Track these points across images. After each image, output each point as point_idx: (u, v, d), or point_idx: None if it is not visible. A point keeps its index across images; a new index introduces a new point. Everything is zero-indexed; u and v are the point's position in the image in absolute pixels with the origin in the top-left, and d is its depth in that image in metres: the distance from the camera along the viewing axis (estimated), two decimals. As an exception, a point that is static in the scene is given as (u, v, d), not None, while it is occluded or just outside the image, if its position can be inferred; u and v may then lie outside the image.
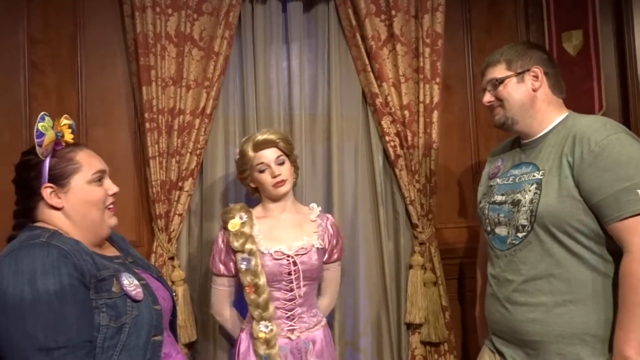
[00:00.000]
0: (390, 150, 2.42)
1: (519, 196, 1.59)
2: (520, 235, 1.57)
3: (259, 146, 1.94)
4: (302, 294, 1.92)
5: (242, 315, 2.05)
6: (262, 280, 1.85)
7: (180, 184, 2.26)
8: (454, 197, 2.65)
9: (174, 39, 2.25)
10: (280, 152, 1.96)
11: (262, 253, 1.88)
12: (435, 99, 2.41)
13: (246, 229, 1.89)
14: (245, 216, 1.92)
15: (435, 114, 2.42)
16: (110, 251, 1.49)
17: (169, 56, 2.25)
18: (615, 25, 2.60)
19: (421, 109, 2.41)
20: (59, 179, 1.36)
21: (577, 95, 2.58)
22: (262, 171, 1.94)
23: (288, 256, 1.90)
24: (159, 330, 1.38)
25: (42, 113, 1.34)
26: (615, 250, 1.47)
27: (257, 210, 2.01)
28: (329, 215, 2.10)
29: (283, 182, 1.94)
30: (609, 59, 2.59)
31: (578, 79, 2.60)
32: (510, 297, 1.59)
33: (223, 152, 2.38)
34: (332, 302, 2.16)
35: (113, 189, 1.45)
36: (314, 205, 2.09)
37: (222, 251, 1.94)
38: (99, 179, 1.42)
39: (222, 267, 1.94)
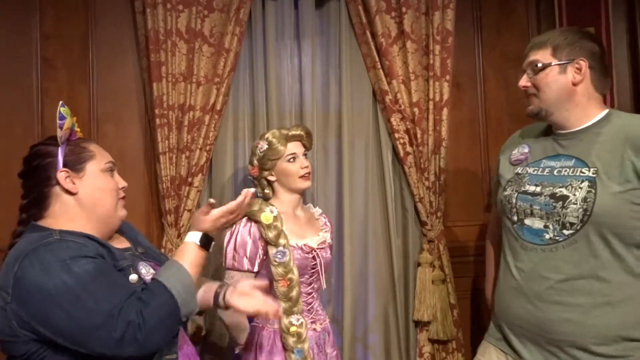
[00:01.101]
0: (400, 147, 2.42)
1: (563, 191, 1.52)
2: (566, 232, 1.50)
3: (290, 139, 1.99)
4: (323, 285, 1.98)
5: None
6: (296, 274, 1.87)
7: (189, 179, 2.27)
8: (463, 195, 2.64)
9: (184, 35, 2.26)
10: (304, 148, 2.02)
11: (292, 247, 1.90)
12: (445, 97, 2.40)
13: (278, 223, 1.89)
14: (276, 210, 1.92)
15: (445, 112, 2.41)
16: (121, 242, 1.48)
17: (179, 52, 2.26)
18: (628, 24, 2.59)
19: (431, 107, 2.41)
20: (75, 164, 1.36)
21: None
22: (290, 161, 1.97)
23: (313, 250, 1.94)
24: None
25: (61, 101, 1.36)
26: None
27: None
28: (324, 214, 2.15)
29: (309, 175, 1.99)
30: (621, 57, 2.58)
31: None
32: (543, 295, 1.53)
33: (232, 148, 2.39)
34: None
35: (122, 182, 1.47)
36: (310, 205, 2.17)
37: (247, 245, 1.88)
38: (110, 170, 1.43)
39: (247, 261, 1.88)
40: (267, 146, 1.97)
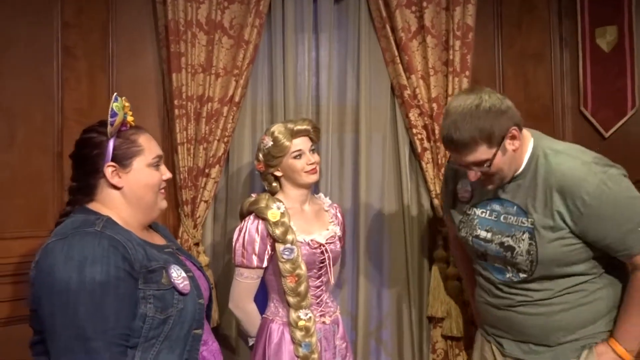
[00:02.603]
0: (417, 143, 2.41)
1: (510, 241, 1.62)
2: (522, 275, 1.64)
3: (296, 135, 1.96)
4: (331, 280, 1.98)
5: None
6: (304, 270, 1.87)
7: (207, 170, 2.28)
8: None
9: (204, 26, 2.26)
10: (311, 142, 2.00)
11: (300, 243, 1.90)
12: (464, 93, 2.39)
13: (285, 219, 1.89)
14: (282, 206, 1.92)
15: (464, 108, 2.39)
16: (158, 239, 1.52)
17: (199, 44, 2.26)
18: (651, 22, 2.55)
19: (449, 103, 2.39)
20: (122, 159, 1.39)
21: (609, 93, 2.55)
22: (296, 157, 1.95)
23: (321, 245, 1.93)
24: (200, 323, 1.42)
25: (114, 94, 1.38)
26: (616, 266, 1.63)
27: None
28: (336, 204, 2.15)
29: (316, 169, 1.96)
30: (643, 54, 2.55)
31: (610, 76, 2.56)
32: (509, 307, 1.69)
33: (250, 140, 2.39)
34: (334, 282, 2.18)
35: (167, 174, 1.49)
36: (321, 195, 2.15)
37: (255, 242, 1.90)
38: (156, 164, 1.45)
39: (255, 259, 1.90)
40: (271, 143, 1.94)
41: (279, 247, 1.87)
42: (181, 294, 1.35)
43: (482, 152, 1.52)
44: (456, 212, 1.82)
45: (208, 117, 2.26)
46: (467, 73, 2.38)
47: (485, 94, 1.52)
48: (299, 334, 1.86)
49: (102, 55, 2.36)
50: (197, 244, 2.29)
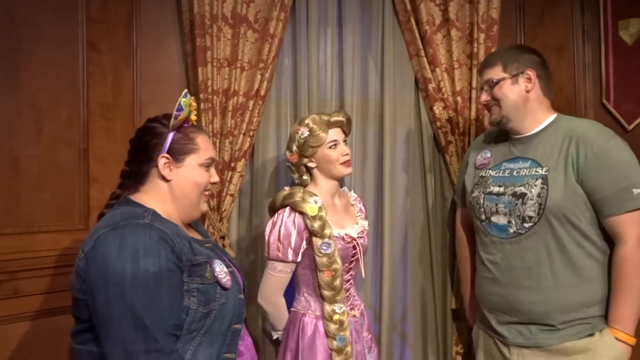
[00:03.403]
0: (442, 136, 2.41)
1: (522, 189, 1.74)
2: (526, 225, 1.72)
3: (332, 125, 1.97)
4: (362, 273, 2.01)
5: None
6: (339, 264, 1.89)
7: (232, 164, 2.28)
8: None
9: (229, 20, 2.26)
10: (344, 134, 2.01)
11: (335, 237, 1.90)
12: (489, 86, 2.38)
13: (323, 213, 1.89)
14: (320, 200, 1.92)
15: (488, 101, 2.39)
16: (196, 235, 1.53)
17: (224, 37, 2.26)
18: (676, 14, 2.54)
19: (473, 96, 2.39)
20: (177, 154, 1.41)
21: (632, 86, 2.53)
22: (331, 147, 1.96)
23: (353, 239, 1.95)
24: (240, 318, 1.43)
25: (185, 90, 1.42)
26: (607, 242, 1.71)
27: None
28: (359, 198, 2.16)
29: (350, 161, 1.99)
30: (667, 48, 2.54)
31: (633, 69, 2.54)
32: (513, 281, 1.75)
33: (275, 133, 2.40)
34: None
35: (215, 177, 1.51)
36: (345, 189, 2.16)
37: (291, 235, 1.88)
38: (208, 165, 1.47)
39: (291, 252, 1.89)
40: (308, 132, 1.94)
41: (317, 241, 1.87)
42: (223, 288, 1.37)
43: (496, 72, 1.82)
44: (470, 180, 1.96)
45: (234, 110, 2.26)
46: (492, 66, 2.37)
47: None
48: (333, 327, 1.87)
49: (126, 50, 2.37)
50: (222, 237, 2.30)
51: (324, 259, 1.87)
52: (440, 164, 2.49)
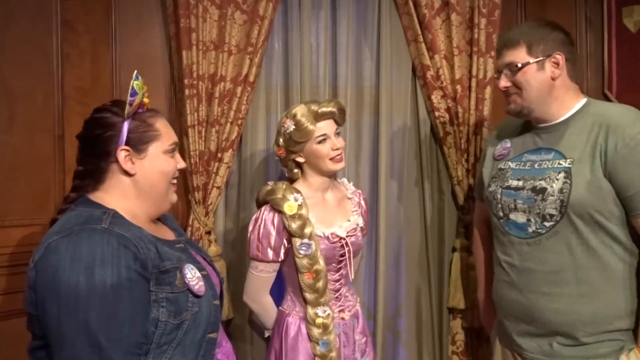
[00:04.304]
0: (440, 126, 2.30)
1: (542, 183, 1.55)
2: (547, 224, 1.54)
3: (320, 118, 1.81)
4: (351, 274, 1.86)
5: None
6: (322, 265, 1.76)
7: (219, 155, 2.15)
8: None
9: (216, 0, 2.11)
10: (336, 125, 1.85)
11: (319, 237, 1.78)
12: (489, 74, 2.26)
13: (303, 211, 1.77)
14: (300, 197, 1.79)
15: (488, 90, 2.27)
16: (167, 233, 1.40)
17: (210, 19, 2.10)
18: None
19: (473, 84, 2.27)
20: (137, 144, 1.27)
21: (635, 76, 2.45)
22: (320, 142, 1.81)
23: (341, 238, 1.82)
24: (216, 326, 1.31)
25: (135, 72, 1.26)
26: (638, 244, 1.51)
27: (301, 190, 1.85)
28: (360, 191, 2.03)
29: (342, 156, 1.83)
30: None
31: (637, 57, 2.46)
32: (532, 286, 1.57)
33: (264, 122, 2.26)
34: (355, 274, 2.09)
35: (182, 163, 1.38)
36: (344, 180, 2.02)
37: (270, 235, 1.78)
38: (172, 151, 1.33)
39: (271, 252, 1.78)
40: (294, 127, 1.80)
41: (296, 241, 1.75)
42: (196, 296, 1.24)
43: (519, 55, 1.57)
44: (488, 172, 1.79)
45: (221, 97, 2.12)
46: (493, 53, 2.26)
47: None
48: (316, 332, 1.77)
49: (105, 30, 2.21)
50: (208, 233, 2.17)
51: (304, 261, 1.75)
52: (437, 156, 2.38)
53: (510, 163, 1.69)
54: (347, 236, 1.84)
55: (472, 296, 2.29)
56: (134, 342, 1.12)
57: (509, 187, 1.65)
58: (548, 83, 1.57)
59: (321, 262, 1.76)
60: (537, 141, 1.65)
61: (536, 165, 1.61)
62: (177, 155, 1.37)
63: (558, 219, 1.52)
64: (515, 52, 1.58)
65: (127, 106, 1.24)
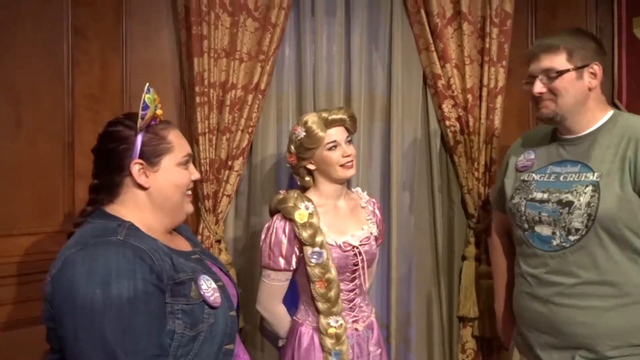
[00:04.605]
0: (450, 135, 2.29)
1: (569, 197, 1.53)
2: (572, 238, 1.52)
3: (331, 124, 1.81)
4: (365, 284, 1.86)
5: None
6: (334, 274, 1.75)
7: (230, 163, 2.13)
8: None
9: (228, 7, 2.09)
10: (347, 133, 1.86)
11: (330, 245, 1.78)
12: (500, 84, 2.26)
13: (314, 220, 1.76)
14: (311, 206, 1.79)
15: (499, 100, 2.27)
16: (182, 244, 1.39)
17: (222, 26, 2.09)
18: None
19: (484, 93, 2.27)
20: (151, 157, 1.27)
21: (646, 86, 2.45)
22: (331, 149, 1.81)
23: (354, 247, 1.81)
24: (232, 338, 1.30)
25: (147, 85, 1.26)
26: None
27: (312, 198, 1.86)
28: (374, 200, 2.02)
29: (352, 163, 1.83)
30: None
31: (648, 68, 2.46)
32: (555, 299, 1.55)
33: (275, 130, 2.25)
34: (370, 284, 2.10)
35: (196, 174, 1.37)
36: (358, 189, 2.02)
37: (282, 244, 1.78)
38: (186, 162, 1.33)
39: (282, 261, 1.78)
40: (304, 134, 1.80)
41: (307, 250, 1.75)
42: (212, 307, 1.24)
43: (558, 61, 1.55)
44: (511, 183, 1.76)
45: (232, 105, 2.11)
46: (504, 63, 2.26)
47: None
48: (329, 342, 1.76)
49: (115, 37, 2.19)
50: (218, 241, 2.15)
51: (316, 269, 1.75)
52: (448, 165, 2.37)
53: (534, 175, 1.67)
54: (360, 245, 1.83)
55: (482, 305, 2.29)
56: (150, 354, 1.12)
57: (533, 200, 1.63)
58: (584, 93, 1.56)
59: (333, 271, 1.75)
60: (562, 153, 1.63)
61: (561, 178, 1.59)
62: (191, 167, 1.37)
63: (583, 233, 1.50)
64: (556, 57, 1.55)
65: (139, 120, 1.24)
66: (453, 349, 2.36)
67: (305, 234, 1.74)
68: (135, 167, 1.25)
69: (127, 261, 1.12)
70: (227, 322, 1.28)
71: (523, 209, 1.65)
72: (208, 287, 1.26)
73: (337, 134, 1.82)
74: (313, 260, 1.74)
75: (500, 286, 1.92)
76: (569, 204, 1.52)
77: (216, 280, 1.31)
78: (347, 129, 1.86)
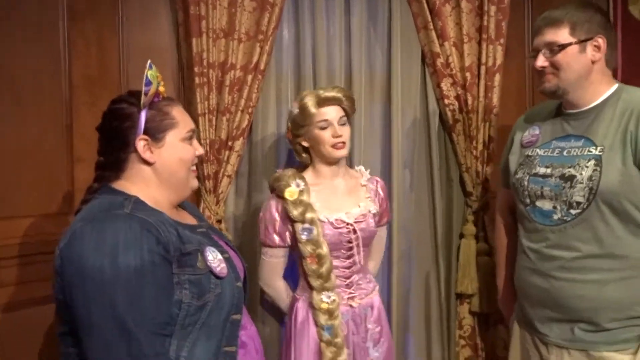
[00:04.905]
0: (449, 114, 2.31)
1: (571, 171, 1.53)
2: (573, 212, 1.52)
3: (324, 102, 1.82)
4: (361, 261, 1.87)
5: (290, 286, 1.98)
6: (325, 250, 1.77)
7: (230, 143, 2.14)
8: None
9: (225, -15, 2.08)
10: (343, 112, 1.86)
11: (322, 222, 1.80)
12: (498, 62, 2.27)
13: (305, 197, 1.79)
14: (302, 183, 1.81)
15: (497, 78, 2.28)
16: (188, 218, 1.41)
17: (220, 5, 2.07)
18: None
19: (482, 72, 2.28)
20: (155, 133, 1.28)
21: (641, 64, 2.46)
22: (323, 128, 1.82)
23: (348, 224, 1.83)
24: (239, 308, 1.33)
25: (149, 61, 1.26)
26: None
27: (308, 176, 1.88)
28: (378, 179, 2.03)
29: (343, 144, 1.83)
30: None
31: (643, 45, 2.47)
32: (556, 273, 1.56)
33: (275, 110, 2.25)
34: (378, 264, 2.12)
35: (200, 150, 1.39)
36: (361, 168, 2.03)
37: (276, 221, 1.82)
38: (190, 138, 1.34)
39: (277, 238, 1.83)
40: (297, 110, 1.83)
41: (298, 227, 1.78)
42: (218, 277, 1.27)
43: (561, 35, 1.54)
44: (515, 159, 1.76)
45: (231, 86, 2.10)
46: (502, 40, 2.26)
47: None
48: (322, 317, 1.78)
49: (111, 18, 2.16)
50: (219, 221, 2.16)
51: (307, 246, 1.77)
52: (446, 143, 2.39)
53: (538, 150, 1.68)
54: (355, 222, 1.84)
55: (479, 282, 2.32)
56: (159, 323, 1.14)
57: (536, 175, 1.63)
58: (587, 66, 1.55)
59: (325, 247, 1.77)
60: (566, 128, 1.63)
61: (565, 153, 1.59)
62: (195, 142, 1.38)
63: (585, 206, 1.50)
64: (558, 31, 1.54)
65: (143, 96, 1.25)
66: (450, 326, 2.40)
67: (295, 212, 1.77)
68: (140, 143, 1.26)
69: (134, 233, 1.14)
70: (233, 292, 1.30)
71: (526, 183, 1.65)
72: (214, 257, 1.28)
73: (330, 112, 1.82)
74: (304, 237, 1.77)
75: (502, 262, 1.94)
76: (571, 178, 1.53)
77: (222, 252, 1.34)
78: (345, 110, 1.87)
